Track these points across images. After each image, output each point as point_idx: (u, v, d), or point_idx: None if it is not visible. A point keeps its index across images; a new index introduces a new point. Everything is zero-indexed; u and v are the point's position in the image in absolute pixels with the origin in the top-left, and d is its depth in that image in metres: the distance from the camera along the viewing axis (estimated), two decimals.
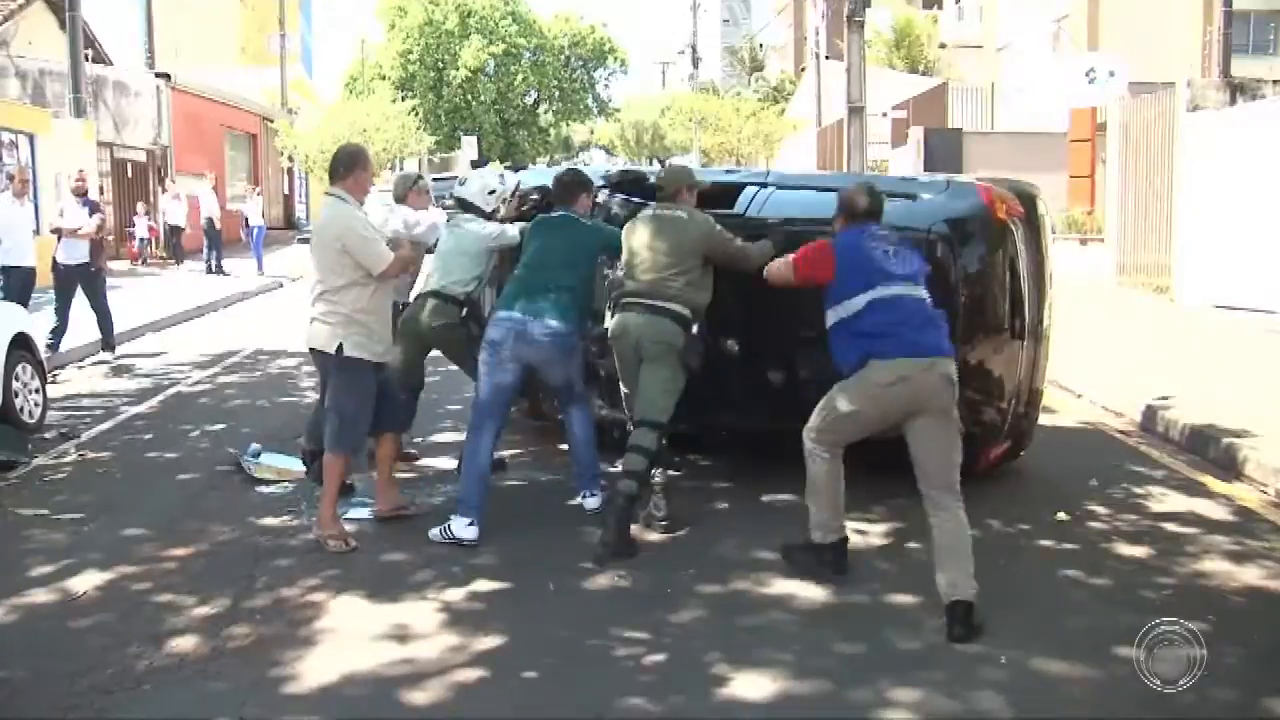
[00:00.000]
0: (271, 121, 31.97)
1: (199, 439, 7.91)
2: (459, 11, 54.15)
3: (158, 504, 6.29)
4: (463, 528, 5.47)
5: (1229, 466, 7.08)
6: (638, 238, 5.74)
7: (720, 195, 6.40)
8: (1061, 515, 5.99)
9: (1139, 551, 5.49)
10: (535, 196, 6.84)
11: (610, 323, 5.77)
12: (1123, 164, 16.16)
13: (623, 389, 5.87)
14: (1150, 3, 29.11)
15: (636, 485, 5.45)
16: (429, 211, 6.97)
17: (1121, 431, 8.27)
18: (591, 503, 5.95)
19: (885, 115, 28.42)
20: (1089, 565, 5.26)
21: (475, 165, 46.51)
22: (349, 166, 5.62)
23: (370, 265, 5.41)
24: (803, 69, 48.81)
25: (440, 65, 54.10)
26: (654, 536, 5.59)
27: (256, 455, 7.02)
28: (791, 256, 5.14)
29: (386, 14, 55.00)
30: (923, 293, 4.84)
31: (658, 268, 5.60)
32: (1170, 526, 5.90)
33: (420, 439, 7.50)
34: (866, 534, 5.60)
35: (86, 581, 5.05)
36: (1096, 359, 10.31)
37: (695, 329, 5.64)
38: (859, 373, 4.72)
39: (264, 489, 6.54)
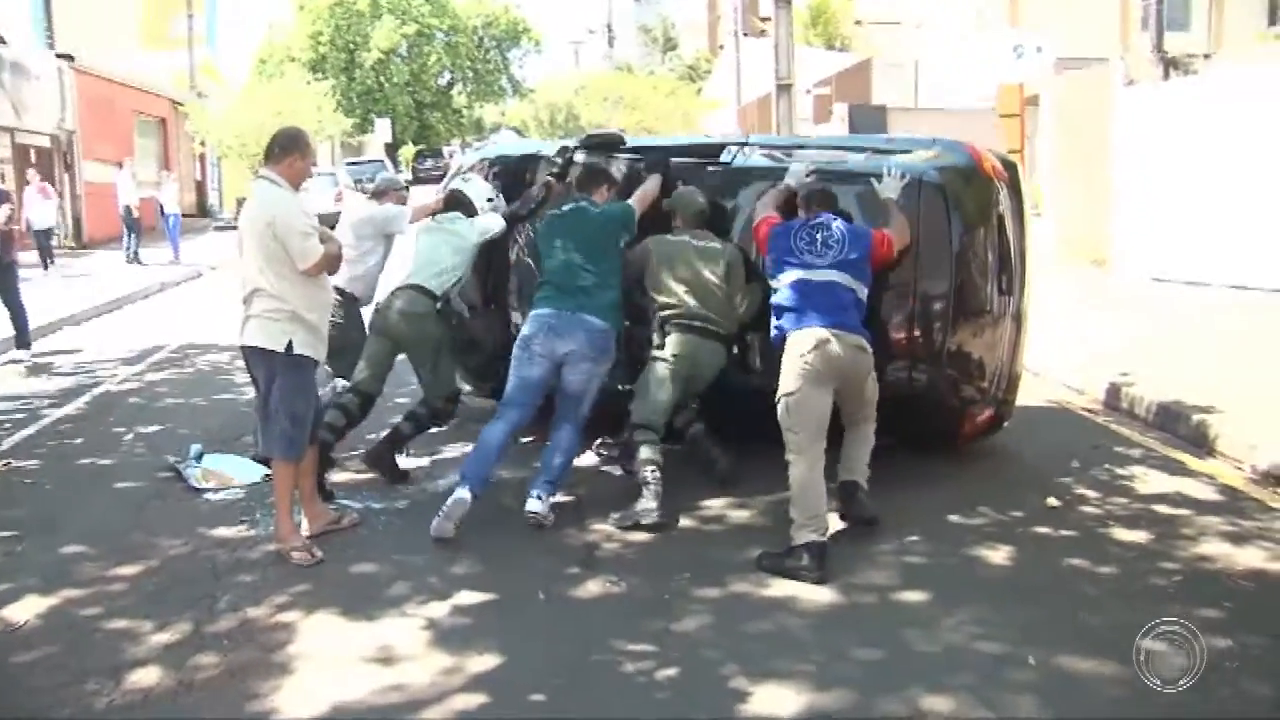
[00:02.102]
0: (181, 105, 30.89)
1: (134, 442, 7.42)
2: None
3: (97, 517, 5.82)
4: (455, 489, 5.34)
5: (1201, 443, 7.00)
6: (679, 263, 5.84)
7: (707, 151, 6.65)
8: (1052, 500, 5.81)
9: (1138, 536, 5.33)
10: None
11: (668, 342, 5.78)
12: (1057, 139, 16.18)
13: (648, 392, 5.75)
14: None
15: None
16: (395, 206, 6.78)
17: (1088, 410, 8.18)
18: (534, 505, 5.39)
19: (809, 92, 28.37)
20: (1092, 553, 5.08)
21: (389, 147, 45.51)
22: (285, 149, 5.18)
23: (296, 257, 4.98)
24: (721, 46, 48.67)
25: (352, 47, 52.88)
26: (642, 537, 5.28)
27: (199, 457, 6.57)
28: None
29: None
30: (844, 279, 5.24)
31: (709, 290, 5.80)
32: (1162, 509, 5.75)
33: (374, 436, 7.08)
34: (866, 531, 5.32)
35: (27, 609, 4.59)
36: (1047, 335, 10.17)
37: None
38: (784, 356, 5.14)
39: (212, 496, 6.10)
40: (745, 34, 39.51)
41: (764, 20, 40.74)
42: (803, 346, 5.06)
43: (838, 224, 5.39)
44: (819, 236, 5.34)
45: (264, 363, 5.14)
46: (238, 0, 48.01)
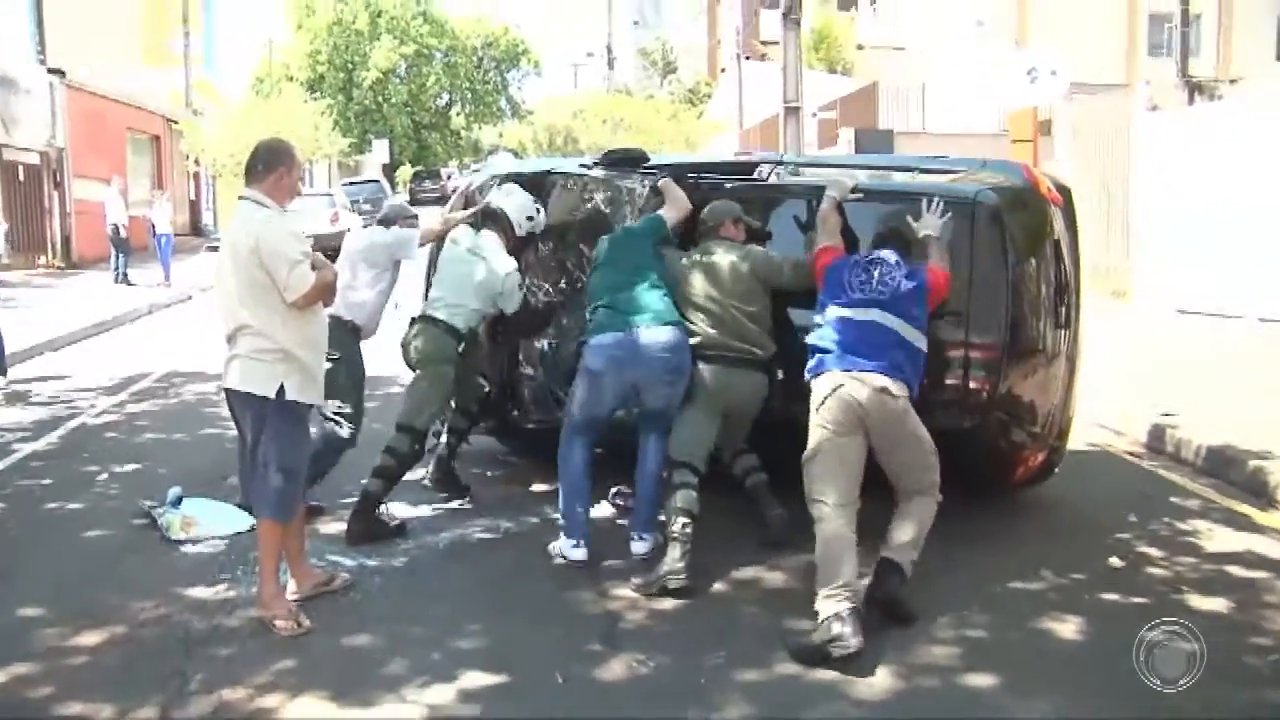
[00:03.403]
0: (176, 123, 30.41)
1: (108, 484, 6.84)
2: (369, 11, 52.63)
3: (61, 571, 5.25)
4: (569, 549, 5.18)
5: (1259, 492, 6.51)
6: (693, 286, 5.29)
7: (741, 169, 6.36)
8: (1115, 561, 5.30)
9: (1217, 605, 4.79)
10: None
11: (694, 377, 5.18)
12: (1073, 165, 15.70)
13: (685, 427, 5.22)
14: (1074, 3, 29.04)
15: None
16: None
17: (1131, 454, 7.67)
18: (639, 547, 5.29)
19: (814, 115, 27.95)
20: None
21: (386, 168, 45.22)
22: (270, 165, 4.58)
23: (285, 287, 4.39)
24: (723, 70, 48.39)
25: (350, 66, 52.54)
26: (669, 605, 4.70)
27: (177, 502, 6.01)
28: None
29: (294, 13, 53.26)
30: (887, 319, 4.68)
31: (730, 315, 5.21)
32: (1236, 571, 5.23)
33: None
34: (925, 603, 4.66)
35: None
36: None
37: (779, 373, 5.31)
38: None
39: (190, 548, 5.54)
40: (747, 57, 39.27)
41: (765, 44, 40.56)
42: (819, 396, 4.60)
43: (895, 260, 4.86)
44: (875, 273, 4.80)
45: (251, 410, 4.56)
46: (236, 19, 47.82)
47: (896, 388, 4.54)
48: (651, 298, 5.18)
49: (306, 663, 4.20)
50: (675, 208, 5.65)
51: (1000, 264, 5.28)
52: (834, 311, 4.77)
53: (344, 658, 4.27)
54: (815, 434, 4.57)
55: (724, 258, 5.31)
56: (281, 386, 4.47)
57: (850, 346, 4.62)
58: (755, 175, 6.20)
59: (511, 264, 5.99)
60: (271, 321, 4.47)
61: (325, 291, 4.61)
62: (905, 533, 4.56)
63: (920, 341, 4.73)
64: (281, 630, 4.43)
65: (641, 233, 5.55)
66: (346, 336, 5.96)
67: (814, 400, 4.61)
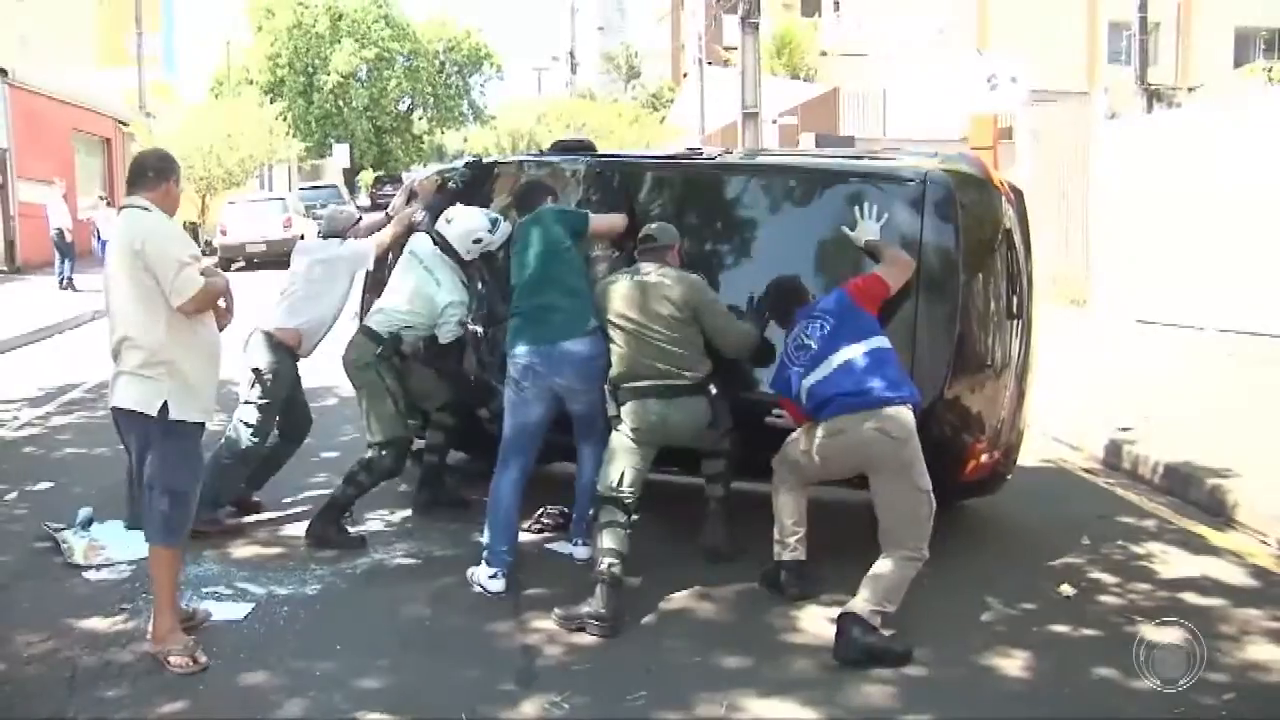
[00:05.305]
0: (127, 125, 29.83)
1: (16, 503, 6.47)
2: (330, 14, 52.03)
3: None
4: (485, 578, 4.90)
5: (1217, 512, 6.33)
6: (621, 309, 4.98)
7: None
8: (1066, 589, 5.05)
9: (1170, 638, 4.56)
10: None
11: (624, 413, 4.94)
12: (1032, 172, 15.58)
13: (614, 462, 4.91)
14: (1035, 11, 29.13)
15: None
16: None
17: (1087, 470, 7.47)
18: (581, 552, 5.30)
19: (774, 122, 27.83)
20: (1122, 661, 4.26)
21: (347, 173, 44.47)
22: (162, 173, 4.40)
23: (170, 287, 4.14)
24: (685, 75, 48.26)
25: (310, 69, 51.89)
26: (589, 639, 4.43)
27: (87, 524, 5.68)
28: None
29: (254, 15, 52.60)
30: (857, 348, 4.60)
31: (663, 339, 4.92)
32: (1191, 598, 5.01)
33: (289, 498, 6.24)
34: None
35: None
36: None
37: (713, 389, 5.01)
38: None
39: (92, 574, 5.21)
40: (709, 62, 39.11)
41: (728, 49, 40.38)
42: (823, 432, 4.63)
43: (808, 313, 4.82)
44: (804, 333, 4.75)
45: (135, 429, 4.27)
46: (198, 21, 47.03)
47: (898, 428, 4.47)
48: (567, 306, 5.04)
49: (198, 704, 3.90)
50: (608, 225, 5.53)
51: (951, 240, 5.10)
52: (812, 378, 4.66)
53: (238, 699, 3.97)
54: (810, 445, 4.67)
55: (657, 279, 5.01)
56: (165, 405, 4.19)
57: (846, 390, 4.54)
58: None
59: (458, 295, 5.76)
60: (155, 330, 4.21)
61: (214, 299, 4.38)
62: (872, 582, 4.35)
63: (878, 342, 4.65)
64: (175, 667, 4.13)
65: (561, 220, 5.30)
66: (278, 351, 5.80)
67: (820, 432, 4.63)
